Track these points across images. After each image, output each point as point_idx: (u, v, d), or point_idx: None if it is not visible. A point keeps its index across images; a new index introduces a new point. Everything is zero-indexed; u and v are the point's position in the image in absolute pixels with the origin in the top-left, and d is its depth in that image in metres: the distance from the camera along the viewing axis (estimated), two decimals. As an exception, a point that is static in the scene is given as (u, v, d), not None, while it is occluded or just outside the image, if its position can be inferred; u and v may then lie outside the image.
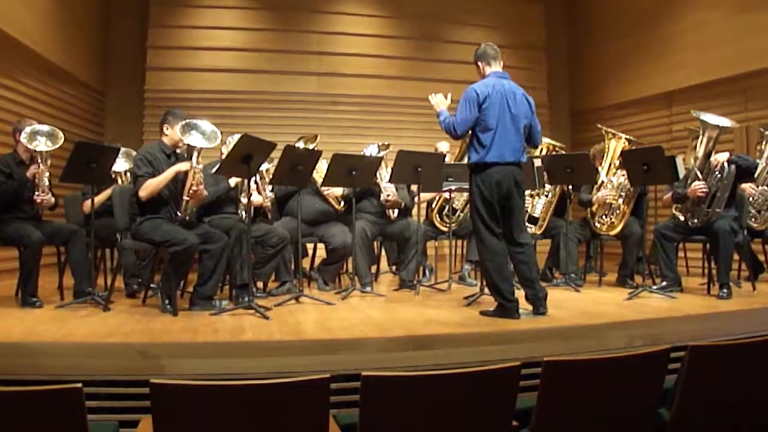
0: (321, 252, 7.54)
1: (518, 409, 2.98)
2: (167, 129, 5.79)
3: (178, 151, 5.89)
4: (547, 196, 7.65)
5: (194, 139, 5.56)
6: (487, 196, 5.27)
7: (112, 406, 3.89)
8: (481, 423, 2.85)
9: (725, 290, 6.23)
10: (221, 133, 5.77)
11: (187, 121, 5.64)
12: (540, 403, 2.98)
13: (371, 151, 7.30)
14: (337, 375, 4.03)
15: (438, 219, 7.80)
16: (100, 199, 6.43)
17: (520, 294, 5.42)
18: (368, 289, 6.82)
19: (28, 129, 5.69)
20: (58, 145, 5.75)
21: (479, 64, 5.57)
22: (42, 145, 5.68)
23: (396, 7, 11.98)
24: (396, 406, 2.70)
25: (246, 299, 5.54)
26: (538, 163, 6.88)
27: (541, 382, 2.96)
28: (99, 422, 3.28)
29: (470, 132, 5.39)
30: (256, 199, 6.61)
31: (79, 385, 2.46)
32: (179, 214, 5.65)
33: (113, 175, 6.83)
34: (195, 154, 5.58)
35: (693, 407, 3.26)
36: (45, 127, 5.79)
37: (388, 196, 7.24)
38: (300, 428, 2.65)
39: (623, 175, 7.12)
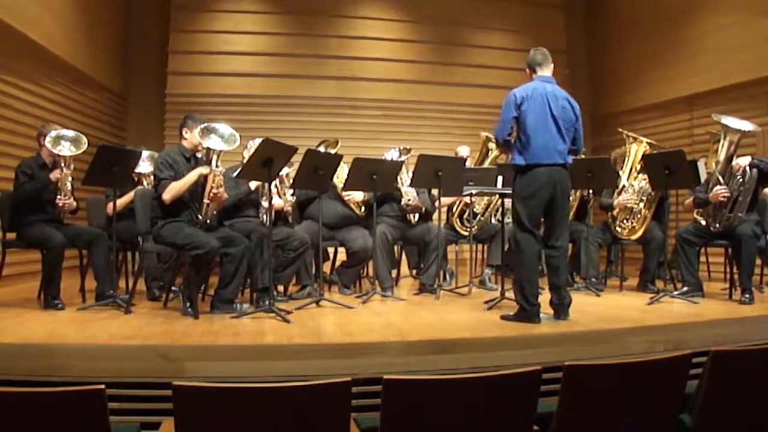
0: (342, 256, 7.55)
1: (539, 413, 2.98)
2: (186, 133, 5.82)
3: (199, 155, 5.91)
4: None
5: (213, 142, 5.59)
6: (528, 198, 5.28)
7: (134, 408, 3.91)
8: (502, 427, 2.85)
9: (747, 295, 6.20)
10: (242, 137, 5.79)
11: (206, 124, 5.67)
12: (561, 408, 2.98)
13: (392, 155, 7.30)
14: (358, 379, 4.04)
15: (459, 223, 7.81)
16: (123, 201, 6.48)
17: (543, 299, 5.41)
18: (389, 293, 6.82)
19: (53, 133, 5.74)
20: (81, 150, 5.79)
21: (528, 69, 5.58)
22: (66, 149, 5.72)
23: (415, 11, 11.97)
24: (417, 410, 2.71)
25: (267, 303, 5.55)
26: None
27: (562, 387, 2.96)
28: (121, 424, 3.29)
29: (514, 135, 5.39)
30: (277, 202, 6.63)
31: (102, 386, 2.48)
32: (200, 217, 5.68)
33: (136, 178, 6.88)
34: (214, 157, 5.61)
35: (715, 413, 3.24)
36: (70, 132, 5.84)
37: (409, 200, 7.24)
38: (322, 431, 2.66)
39: (644, 179, 7.09)
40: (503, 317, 5.42)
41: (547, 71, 5.49)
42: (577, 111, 5.46)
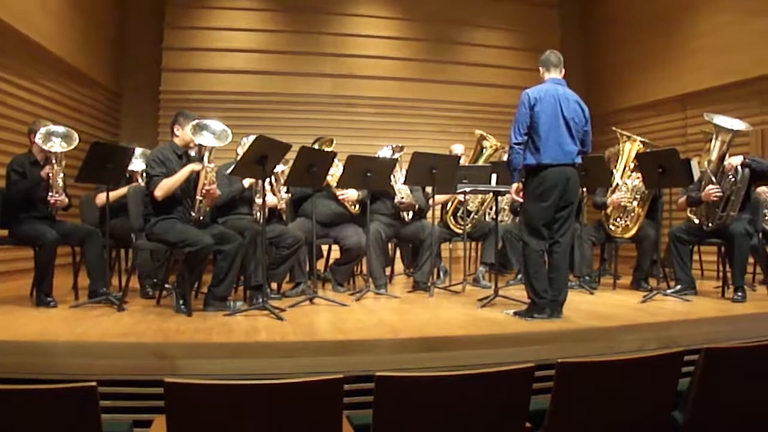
0: (335, 254, 7.56)
1: (531, 410, 2.98)
2: (178, 130, 5.83)
3: (192, 153, 5.91)
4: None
5: (205, 138, 5.60)
6: (540, 198, 5.35)
7: (126, 405, 3.90)
8: (495, 424, 2.85)
9: (740, 293, 6.23)
10: (237, 134, 5.80)
11: (198, 121, 5.67)
12: (553, 405, 2.98)
13: (385, 153, 7.30)
14: (351, 376, 4.04)
15: (452, 221, 7.82)
16: (115, 194, 6.43)
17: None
18: (382, 290, 6.83)
19: (43, 130, 5.72)
20: (72, 146, 5.77)
21: (541, 68, 5.64)
22: (57, 146, 5.71)
23: (410, 10, 11.96)
24: (409, 407, 2.71)
25: (260, 300, 5.56)
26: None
27: (554, 384, 2.96)
28: (113, 422, 3.29)
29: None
30: (271, 200, 6.63)
31: (94, 383, 2.47)
32: (193, 214, 5.67)
33: (129, 175, 6.86)
34: (206, 153, 5.61)
35: (707, 410, 3.25)
36: (60, 128, 5.82)
37: (403, 198, 7.25)
38: (313, 429, 2.66)
39: (638, 178, 7.10)
40: (516, 313, 5.49)
41: (558, 74, 5.57)
42: (587, 113, 5.55)
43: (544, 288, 5.37)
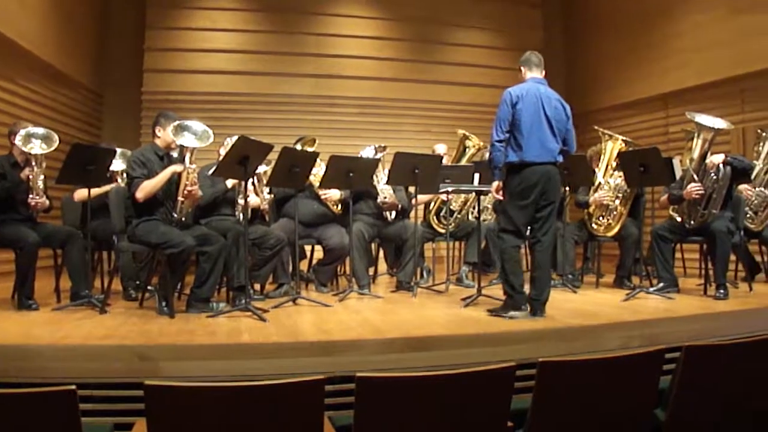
0: (319, 254, 7.54)
1: (513, 409, 2.98)
2: (159, 131, 5.80)
3: (174, 154, 5.89)
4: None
5: (186, 139, 5.57)
6: (519, 196, 5.37)
7: (109, 408, 3.88)
8: (476, 424, 2.85)
9: (722, 291, 6.25)
10: (219, 135, 5.78)
11: (179, 122, 5.65)
12: (535, 404, 2.98)
13: (368, 153, 7.29)
14: (335, 377, 4.04)
15: (435, 221, 7.82)
16: (95, 191, 6.36)
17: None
18: (366, 290, 6.82)
19: (23, 132, 5.69)
20: (53, 148, 5.73)
21: (522, 68, 5.67)
22: (37, 147, 5.67)
23: (393, 10, 11.99)
24: (391, 408, 2.70)
25: (243, 301, 5.54)
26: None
27: (536, 383, 2.97)
28: (94, 425, 3.27)
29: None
30: (254, 201, 6.61)
31: (73, 387, 2.46)
32: (175, 215, 5.65)
33: (110, 175, 6.82)
34: (188, 154, 5.59)
35: (688, 407, 3.26)
36: (40, 130, 5.78)
37: (385, 198, 7.24)
38: (295, 430, 2.65)
39: (620, 177, 7.12)
40: (491, 312, 5.50)
41: (539, 74, 5.60)
42: (568, 112, 5.57)
43: (520, 283, 5.41)
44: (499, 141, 5.37)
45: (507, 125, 5.36)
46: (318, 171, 6.82)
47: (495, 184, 5.52)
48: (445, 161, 7.62)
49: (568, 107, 5.58)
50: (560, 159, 5.49)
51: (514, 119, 5.35)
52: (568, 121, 5.55)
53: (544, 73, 5.63)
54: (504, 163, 5.41)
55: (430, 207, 7.89)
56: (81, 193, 6.13)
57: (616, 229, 7.28)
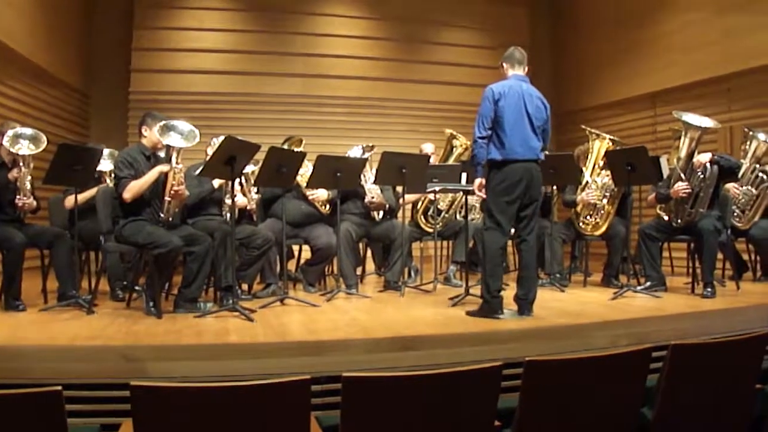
0: (306, 254, 7.54)
1: (501, 409, 2.98)
2: (146, 131, 5.78)
3: (161, 154, 5.88)
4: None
5: (173, 139, 5.56)
6: (503, 193, 5.35)
7: (96, 409, 3.87)
8: (463, 423, 2.85)
9: (709, 289, 6.27)
10: (206, 134, 5.77)
11: (165, 122, 5.63)
12: (522, 403, 2.98)
13: (355, 152, 7.29)
14: (322, 377, 4.03)
15: (423, 220, 7.82)
16: (84, 196, 6.37)
17: (508, 293, 5.52)
18: (353, 290, 6.81)
19: (10, 132, 5.66)
20: (40, 149, 5.71)
21: (504, 64, 5.65)
22: (25, 148, 5.65)
23: (380, 9, 11.98)
24: (377, 407, 2.70)
25: (230, 301, 5.53)
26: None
27: (523, 382, 2.96)
28: (80, 426, 3.26)
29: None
30: (241, 201, 6.60)
31: (59, 387, 2.44)
32: (162, 215, 5.64)
33: (97, 175, 6.81)
34: (174, 154, 5.58)
35: (675, 406, 3.27)
36: (28, 131, 5.76)
37: (373, 198, 7.24)
38: (282, 430, 2.64)
39: (607, 176, 7.14)
40: (468, 313, 5.47)
41: (522, 71, 5.59)
42: (548, 111, 5.58)
43: (497, 287, 5.39)
44: (482, 138, 5.37)
45: (489, 122, 5.35)
46: (305, 171, 6.81)
47: (477, 181, 5.53)
48: (432, 161, 7.64)
49: (548, 106, 5.58)
50: (542, 156, 5.49)
51: (496, 116, 5.34)
52: (547, 121, 5.55)
53: (526, 69, 5.63)
54: (486, 159, 5.42)
55: (418, 206, 7.89)
56: (71, 201, 6.11)
57: (603, 228, 7.30)
